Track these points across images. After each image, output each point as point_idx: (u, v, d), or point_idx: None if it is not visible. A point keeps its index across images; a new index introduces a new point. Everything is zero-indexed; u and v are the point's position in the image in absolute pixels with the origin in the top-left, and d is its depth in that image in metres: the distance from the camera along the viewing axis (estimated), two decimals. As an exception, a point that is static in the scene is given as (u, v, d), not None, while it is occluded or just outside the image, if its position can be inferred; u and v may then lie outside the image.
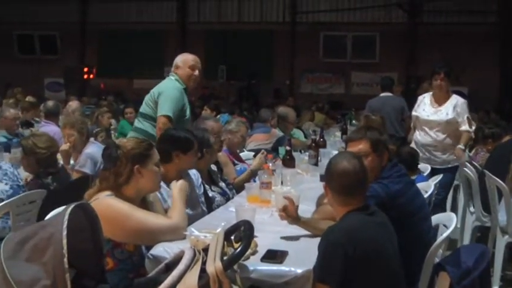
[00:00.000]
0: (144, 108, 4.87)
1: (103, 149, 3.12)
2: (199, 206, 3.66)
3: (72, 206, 2.09)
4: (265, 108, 7.58)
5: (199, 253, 2.24)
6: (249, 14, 17.78)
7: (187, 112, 4.90)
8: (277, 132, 6.54)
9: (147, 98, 4.88)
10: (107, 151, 2.95)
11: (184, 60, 4.91)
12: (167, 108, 4.62)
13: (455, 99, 5.94)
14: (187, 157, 3.49)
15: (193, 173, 3.77)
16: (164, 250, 2.70)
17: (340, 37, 17.48)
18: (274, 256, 2.66)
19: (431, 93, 6.10)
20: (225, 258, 2.27)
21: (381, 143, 3.30)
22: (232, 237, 2.45)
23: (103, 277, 2.35)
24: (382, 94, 8.16)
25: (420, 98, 6.24)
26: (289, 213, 3.06)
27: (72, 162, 5.11)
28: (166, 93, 4.69)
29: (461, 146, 5.82)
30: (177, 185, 3.17)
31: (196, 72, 4.90)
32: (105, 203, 2.78)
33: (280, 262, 2.61)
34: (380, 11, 16.74)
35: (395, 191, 3.14)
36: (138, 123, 4.92)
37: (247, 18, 17.76)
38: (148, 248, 2.83)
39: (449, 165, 5.93)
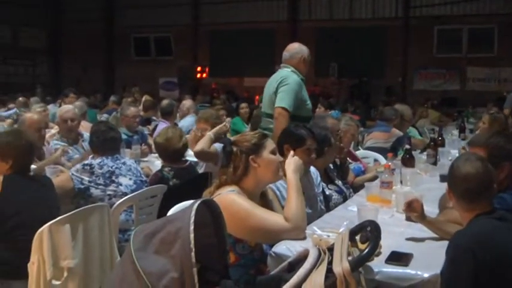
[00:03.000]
0: (268, 107, 5.07)
1: (222, 147, 3.18)
2: (317, 205, 3.63)
3: (199, 201, 2.11)
4: (389, 106, 7.38)
5: (325, 253, 2.18)
6: (361, 11, 17.47)
7: (308, 101, 5.10)
8: (398, 132, 6.35)
9: (267, 96, 5.09)
10: (224, 149, 3.04)
11: (308, 53, 5.18)
12: (285, 101, 4.81)
13: None
14: (296, 153, 3.43)
15: (313, 171, 3.74)
16: (287, 248, 2.67)
17: (455, 31, 16.72)
18: (399, 258, 2.56)
19: None
20: (349, 258, 2.20)
21: (504, 151, 2.98)
22: (357, 238, 2.38)
23: (226, 272, 2.36)
24: None
25: None
26: (415, 209, 2.93)
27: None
28: (287, 87, 4.87)
29: None
30: (292, 164, 3.01)
31: None
32: (228, 198, 2.82)
33: (406, 265, 2.52)
34: (498, 1, 15.80)
35: None
36: (268, 123, 5.08)
37: (358, 15, 17.45)
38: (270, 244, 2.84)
39: None
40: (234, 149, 2.93)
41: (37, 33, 20.82)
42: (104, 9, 20.61)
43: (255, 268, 2.85)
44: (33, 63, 20.93)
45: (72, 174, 4.15)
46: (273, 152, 2.98)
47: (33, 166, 3.94)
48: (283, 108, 4.79)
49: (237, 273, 2.77)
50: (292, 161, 3.00)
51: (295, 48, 5.17)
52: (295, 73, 5.02)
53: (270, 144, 3.00)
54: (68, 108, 6.03)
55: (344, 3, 17.63)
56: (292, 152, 3.04)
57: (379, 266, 2.48)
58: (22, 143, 3.51)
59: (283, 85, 4.90)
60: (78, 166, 4.23)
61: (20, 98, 11.60)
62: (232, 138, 3.14)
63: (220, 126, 4.99)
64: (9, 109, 11.36)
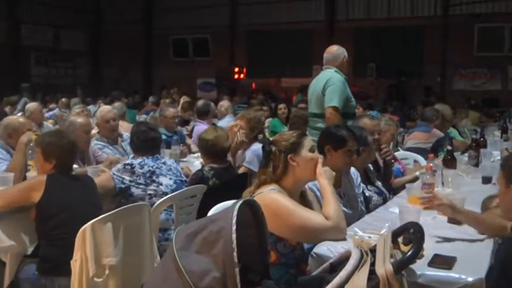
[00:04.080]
0: (315, 107, 5.35)
1: (261, 147, 3.19)
2: (358, 206, 3.61)
3: (241, 201, 2.12)
4: (429, 107, 7.32)
5: (367, 254, 2.16)
6: (399, 9, 17.28)
7: (352, 98, 5.38)
8: (438, 133, 6.29)
9: (314, 97, 5.36)
10: (263, 148, 3.06)
11: (346, 54, 5.44)
12: (335, 100, 5.10)
13: None
14: (337, 154, 3.46)
15: (353, 172, 3.72)
16: (328, 249, 2.65)
17: (497, 29, 16.37)
18: (442, 261, 2.50)
19: None
20: (391, 260, 2.18)
21: None
22: (400, 239, 2.34)
23: (267, 272, 2.36)
24: None
25: None
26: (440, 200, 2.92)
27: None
28: (333, 86, 5.16)
29: None
30: (325, 174, 3.04)
31: None
32: (269, 196, 2.83)
33: (449, 268, 2.46)
34: (543, -3, 15.45)
35: None
36: (318, 123, 5.31)
37: (397, 14, 17.27)
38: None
39: None
40: (273, 148, 2.95)
41: (78, 35, 21.27)
42: (142, 12, 20.90)
43: (295, 267, 2.85)
44: (74, 65, 21.38)
45: (113, 173, 4.21)
46: (311, 150, 2.99)
47: (75, 166, 4.00)
48: (333, 108, 5.07)
49: (278, 272, 2.78)
50: (324, 173, 3.02)
51: (337, 50, 5.43)
52: (338, 73, 5.29)
53: (308, 143, 3.01)
54: (109, 108, 6.14)
55: (382, 2, 17.47)
56: (320, 161, 3.01)
57: (422, 268, 2.43)
58: (65, 142, 3.58)
59: (330, 85, 5.15)
60: (119, 166, 4.28)
61: (63, 99, 11.86)
62: (271, 138, 3.15)
63: (234, 142, 4.99)
64: (50, 110, 11.62)
